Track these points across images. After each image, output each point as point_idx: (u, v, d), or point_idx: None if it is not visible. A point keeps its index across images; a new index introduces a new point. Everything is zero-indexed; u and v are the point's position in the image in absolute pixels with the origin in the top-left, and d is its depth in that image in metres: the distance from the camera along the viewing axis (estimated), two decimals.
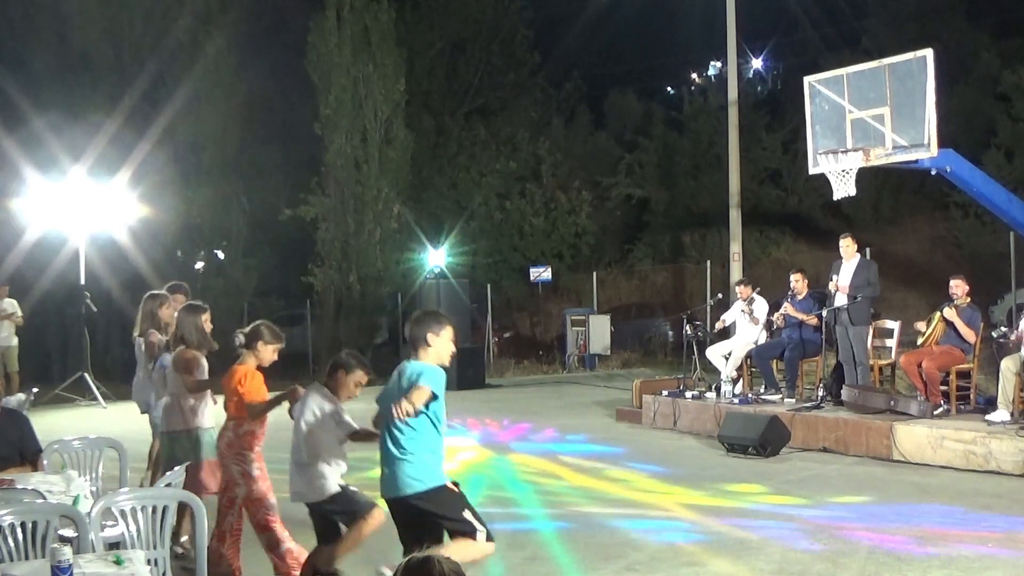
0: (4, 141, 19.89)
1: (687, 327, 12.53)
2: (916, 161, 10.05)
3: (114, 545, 4.38)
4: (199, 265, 24.03)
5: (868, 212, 26.36)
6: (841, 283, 10.49)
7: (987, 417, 9.08)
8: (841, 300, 10.41)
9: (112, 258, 20.09)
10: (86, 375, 16.10)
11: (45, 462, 5.84)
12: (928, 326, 10.17)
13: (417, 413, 4.41)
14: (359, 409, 5.32)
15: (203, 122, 22.88)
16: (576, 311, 22.84)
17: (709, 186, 27.84)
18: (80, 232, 17.06)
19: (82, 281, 17.01)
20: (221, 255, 24.64)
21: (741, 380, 11.84)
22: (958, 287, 9.95)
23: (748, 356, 11.79)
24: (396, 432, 4.55)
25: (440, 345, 4.59)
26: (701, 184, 29.05)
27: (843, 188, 10.45)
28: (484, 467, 9.78)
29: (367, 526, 5.07)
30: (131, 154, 20.20)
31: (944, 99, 11.39)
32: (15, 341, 15.23)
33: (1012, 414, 8.96)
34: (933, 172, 10.45)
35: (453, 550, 4.34)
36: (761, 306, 11.85)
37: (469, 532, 4.56)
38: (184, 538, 6.33)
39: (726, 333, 13.12)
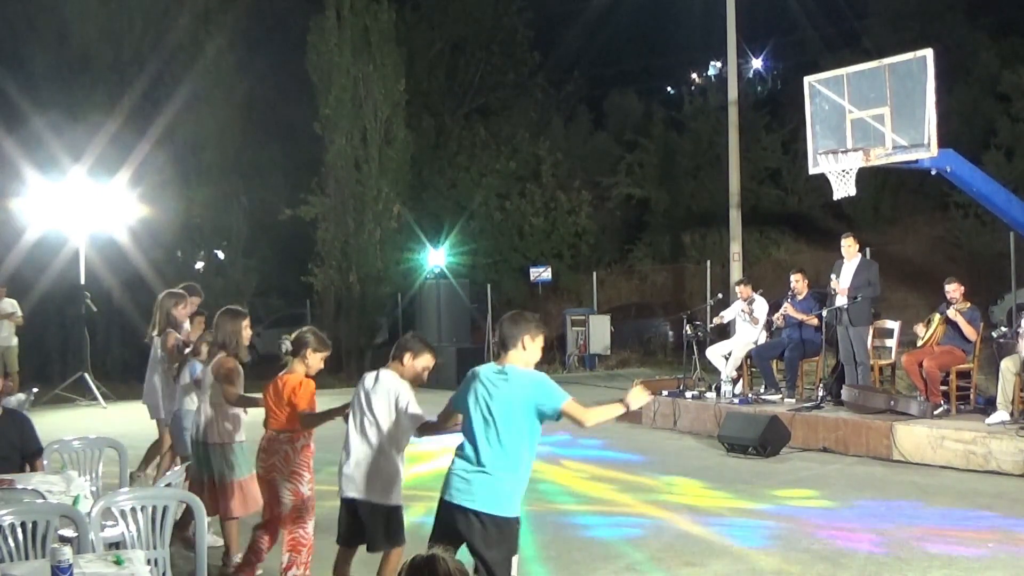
0: (4, 141, 19.87)
1: (687, 327, 12.53)
2: (916, 161, 10.04)
3: (114, 545, 4.39)
4: (199, 265, 24.01)
5: (868, 212, 26.35)
6: (842, 283, 10.48)
7: (987, 418, 9.08)
8: (841, 300, 10.41)
9: (112, 258, 20.08)
10: (86, 375, 16.09)
11: (45, 462, 5.84)
12: (927, 328, 10.17)
13: (558, 417, 4.15)
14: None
15: (203, 122, 22.86)
16: (576, 311, 22.82)
17: (709, 186, 27.84)
18: (80, 232, 17.04)
19: (82, 281, 17.00)
20: (221, 255, 24.62)
21: (741, 380, 11.83)
22: (955, 290, 9.94)
23: (748, 356, 11.79)
24: (485, 441, 4.17)
25: (534, 351, 4.32)
26: (701, 184, 29.05)
27: (843, 188, 10.45)
28: None
29: (398, 560, 4.70)
30: (131, 154, 20.18)
31: (944, 99, 11.41)
32: (15, 341, 15.21)
33: (1012, 414, 8.96)
34: (933, 172, 10.45)
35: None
36: (761, 306, 11.85)
37: None
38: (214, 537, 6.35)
39: (725, 332, 13.12)
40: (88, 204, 16.96)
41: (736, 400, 11.23)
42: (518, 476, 4.20)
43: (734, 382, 11.71)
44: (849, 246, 10.65)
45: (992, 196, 11.07)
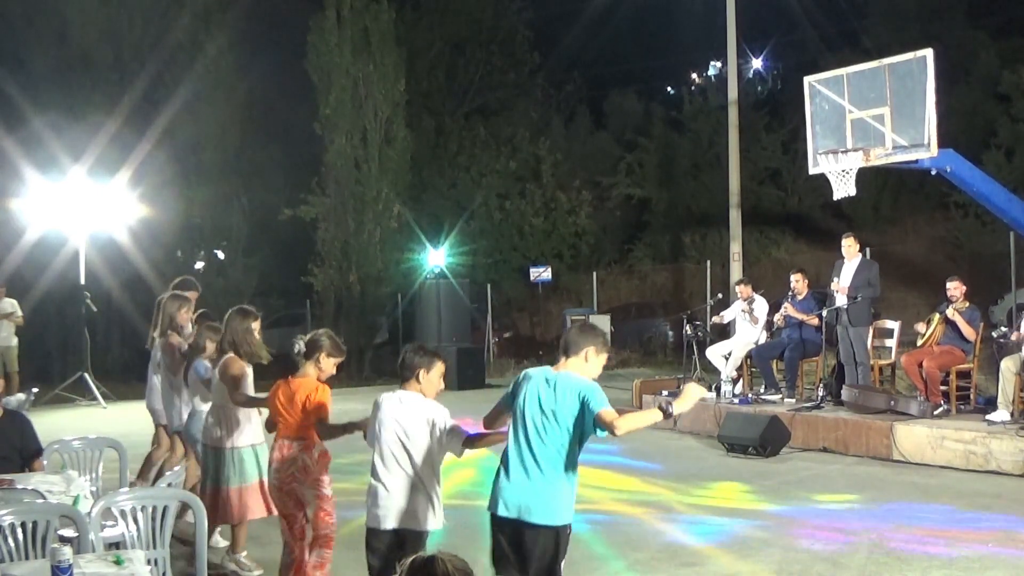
0: (4, 141, 19.89)
1: (687, 327, 12.53)
2: (916, 161, 10.04)
3: (114, 545, 4.39)
4: (199, 265, 24.02)
5: (868, 212, 26.33)
6: (842, 283, 10.49)
7: (987, 417, 9.08)
8: (842, 300, 10.41)
9: (112, 258, 20.09)
10: (86, 375, 16.10)
11: (45, 462, 5.84)
12: (928, 327, 10.17)
13: (595, 425, 4.01)
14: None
15: (203, 122, 22.88)
16: (576, 311, 22.82)
17: (709, 186, 27.83)
18: (80, 232, 17.05)
19: (82, 281, 17.01)
20: (221, 255, 24.64)
21: (741, 380, 11.83)
22: (956, 288, 9.95)
23: (748, 356, 11.79)
24: (537, 447, 4.05)
25: (595, 365, 4.23)
26: (701, 184, 29.04)
27: (843, 188, 10.45)
28: (483, 467, 9.77)
29: None
30: (131, 154, 20.20)
31: (944, 99, 11.39)
32: (15, 341, 15.21)
33: (1012, 414, 8.96)
34: (933, 172, 10.44)
35: None
36: (761, 306, 11.85)
37: None
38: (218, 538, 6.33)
39: (725, 332, 13.11)
40: (88, 204, 16.97)
41: (736, 400, 11.23)
42: (571, 481, 4.09)
43: (734, 382, 11.71)
44: (849, 246, 10.65)
45: (992, 196, 11.07)
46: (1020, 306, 14.20)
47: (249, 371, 5.93)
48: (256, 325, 5.98)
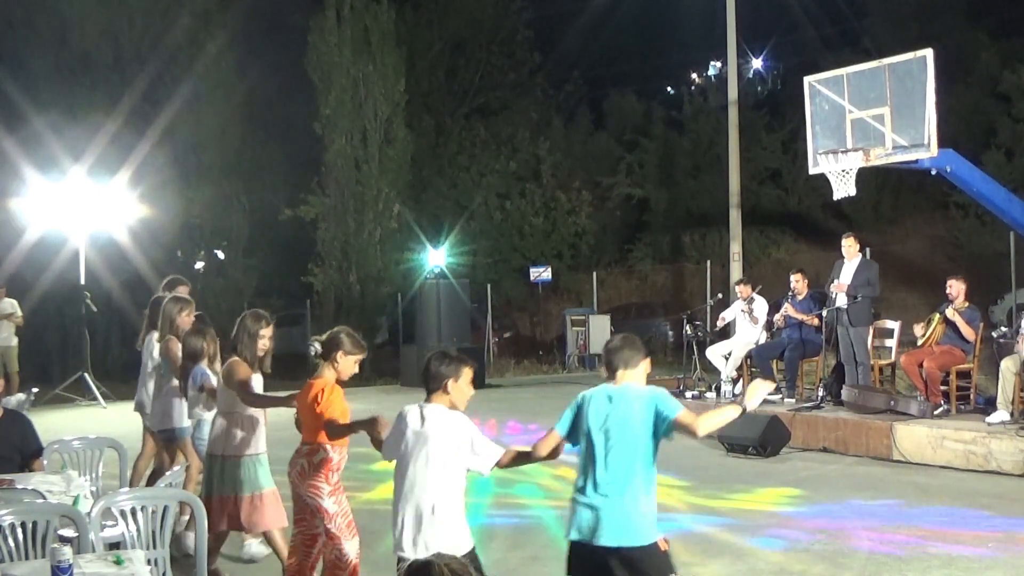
0: (4, 141, 19.90)
1: (687, 327, 12.54)
2: (916, 161, 10.04)
3: (114, 545, 4.39)
4: (199, 265, 24.04)
5: (868, 212, 26.35)
6: (842, 283, 10.48)
7: (987, 419, 9.08)
8: (842, 300, 10.41)
9: (112, 258, 20.09)
10: (86, 375, 16.11)
11: (45, 462, 5.84)
12: (927, 327, 10.17)
13: (671, 431, 3.94)
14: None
15: (203, 122, 22.89)
16: (576, 311, 22.83)
17: (709, 186, 27.83)
18: (80, 232, 17.06)
19: (82, 281, 17.01)
20: (221, 255, 24.65)
21: (741, 380, 11.83)
22: (953, 287, 9.94)
23: (748, 356, 11.79)
24: (614, 466, 3.89)
25: (643, 372, 4.16)
26: (701, 184, 29.04)
27: (843, 188, 10.45)
28: None
29: None
30: (131, 154, 20.21)
31: (944, 99, 11.39)
32: (15, 341, 15.22)
33: (1012, 414, 8.96)
34: (933, 172, 10.45)
35: None
36: (761, 306, 11.85)
37: None
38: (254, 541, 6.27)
39: (726, 332, 13.11)
40: (88, 204, 16.98)
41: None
42: (651, 498, 3.94)
43: (734, 382, 11.71)
44: (850, 246, 10.65)
45: (992, 196, 11.07)
46: (1020, 306, 14.22)
47: (259, 376, 5.70)
48: (267, 331, 5.73)
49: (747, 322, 11.84)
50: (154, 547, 4.50)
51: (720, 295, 14.45)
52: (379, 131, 22.44)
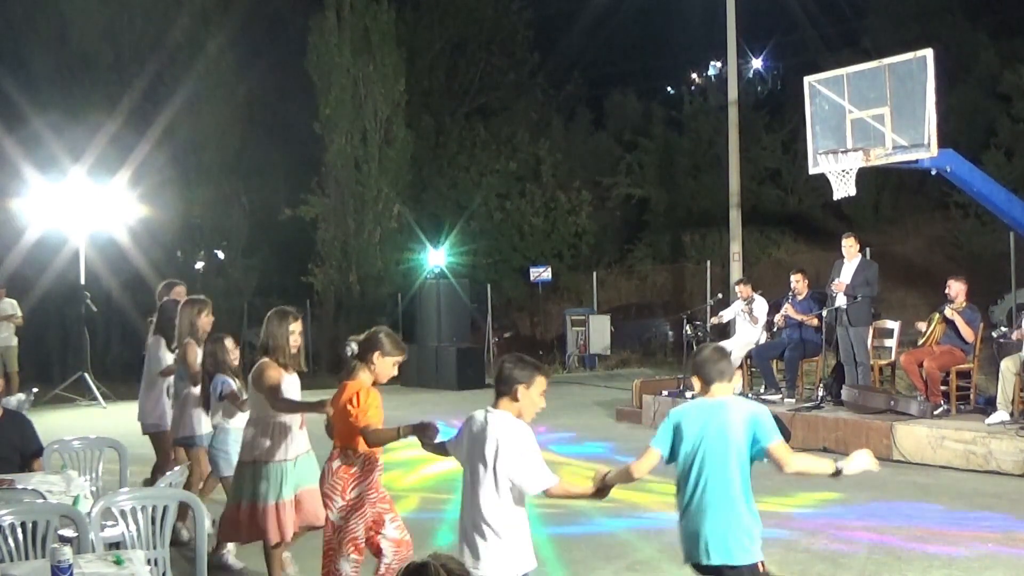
0: (4, 141, 19.91)
1: (687, 327, 12.52)
2: (916, 161, 10.04)
3: (114, 545, 4.39)
4: (199, 265, 24.05)
5: (868, 212, 26.37)
6: (842, 282, 10.48)
7: (987, 421, 9.07)
8: (841, 300, 10.41)
9: (112, 258, 20.10)
10: (86, 375, 16.10)
11: (45, 462, 5.84)
12: (928, 326, 10.17)
13: (763, 455, 3.87)
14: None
15: (203, 122, 22.91)
16: (576, 311, 22.84)
17: (709, 186, 27.85)
18: (80, 232, 17.06)
19: (82, 281, 17.01)
20: (221, 255, 24.67)
21: (741, 380, 11.82)
22: (952, 287, 9.94)
23: (748, 356, 11.78)
24: (714, 484, 3.83)
25: (735, 384, 4.16)
26: (701, 184, 29.06)
27: (843, 188, 10.44)
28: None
29: None
30: (131, 154, 20.23)
31: (944, 99, 11.39)
32: (15, 341, 15.21)
33: (1012, 414, 8.95)
34: (933, 172, 10.44)
35: None
36: (761, 306, 11.84)
37: None
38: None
39: (725, 332, 13.10)
40: (88, 204, 16.97)
41: None
42: (752, 516, 3.85)
43: None
44: (850, 246, 10.64)
45: (992, 196, 11.07)
46: (1020, 306, 14.21)
47: (294, 377, 5.44)
48: (296, 326, 5.47)
49: (747, 322, 11.83)
50: (154, 547, 4.50)
51: (720, 295, 14.44)
52: (379, 131, 22.46)
